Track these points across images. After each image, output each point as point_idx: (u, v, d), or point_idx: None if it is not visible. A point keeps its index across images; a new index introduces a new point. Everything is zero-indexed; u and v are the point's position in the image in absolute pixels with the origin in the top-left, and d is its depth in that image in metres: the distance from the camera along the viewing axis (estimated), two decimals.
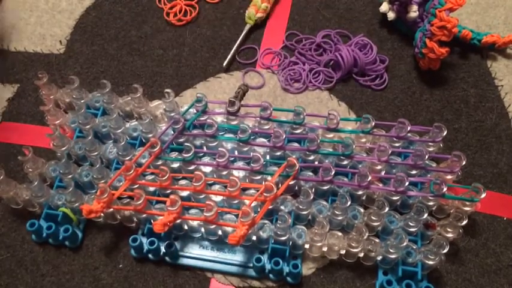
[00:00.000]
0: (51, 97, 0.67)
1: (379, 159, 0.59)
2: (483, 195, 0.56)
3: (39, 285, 0.58)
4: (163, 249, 0.58)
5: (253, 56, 0.76)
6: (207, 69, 0.75)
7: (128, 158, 0.61)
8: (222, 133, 0.64)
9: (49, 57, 0.76)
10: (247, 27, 0.77)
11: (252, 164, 0.58)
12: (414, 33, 0.72)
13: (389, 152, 0.58)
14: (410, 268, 0.56)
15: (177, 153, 0.62)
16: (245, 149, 0.62)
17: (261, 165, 0.58)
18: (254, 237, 0.58)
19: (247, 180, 0.61)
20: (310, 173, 0.61)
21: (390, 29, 0.78)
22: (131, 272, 0.59)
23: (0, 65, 0.76)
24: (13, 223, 0.62)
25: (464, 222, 0.56)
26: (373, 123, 0.60)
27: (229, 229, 0.57)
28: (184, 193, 0.60)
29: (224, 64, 0.74)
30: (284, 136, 0.60)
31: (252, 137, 0.61)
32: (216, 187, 0.61)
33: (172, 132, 0.63)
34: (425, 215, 0.56)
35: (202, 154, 0.63)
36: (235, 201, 0.59)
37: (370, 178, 0.56)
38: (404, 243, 0.54)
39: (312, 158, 0.61)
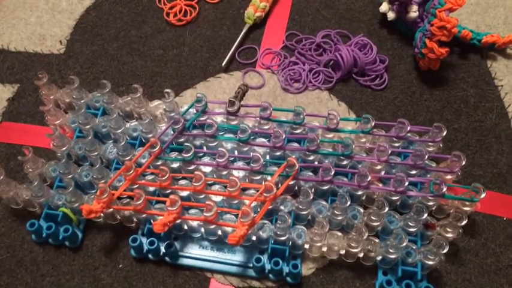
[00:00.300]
0: (51, 97, 0.67)
1: (379, 159, 0.59)
2: (483, 195, 0.56)
3: (39, 285, 0.58)
4: (163, 249, 0.58)
5: (253, 56, 0.76)
6: (207, 69, 0.75)
7: (127, 158, 0.61)
8: (222, 133, 0.64)
9: (49, 57, 0.76)
10: (247, 26, 0.77)
11: (251, 164, 0.58)
12: (414, 33, 0.72)
13: (389, 152, 0.58)
14: (410, 268, 0.56)
15: (177, 153, 0.62)
16: (245, 149, 0.62)
17: (261, 165, 0.58)
18: (254, 237, 0.58)
19: (247, 180, 0.61)
20: (310, 173, 0.61)
21: (390, 29, 0.78)
22: (131, 272, 0.59)
23: (0, 65, 0.76)
24: (13, 223, 0.62)
25: (464, 222, 0.56)
26: (373, 123, 0.60)
27: (229, 229, 0.57)
28: (184, 193, 0.60)
29: (223, 64, 0.74)
30: (284, 136, 0.60)
31: (251, 137, 0.61)
32: (216, 187, 0.61)
33: (172, 132, 0.63)
34: (425, 215, 0.56)
35: (202, 154, 0.63)
36: (235, 201, 0.59)
37: (369, 178, 0.56)
38: (404, 244, 0.54)
39: (311, 158, 0.61)
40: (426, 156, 0.58)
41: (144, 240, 0.58)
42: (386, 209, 0.56)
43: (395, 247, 0.54)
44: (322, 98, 0.72)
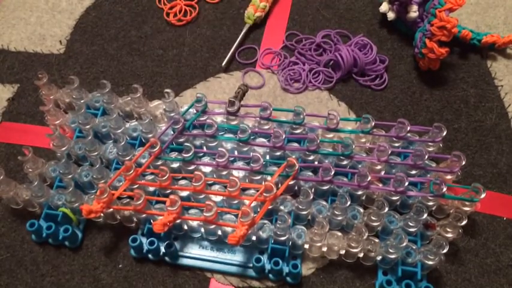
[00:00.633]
0: (51, 97, 0.67)
1: (379, 159, 0.59)
2: (483, 195, 0.56)
3: (39, 285, 0.58)
4: (163, 249, 0.58)
5: (253, 56, 0.76)
6: (207, 69, 0.75)
7: (127, 158, 0.61)
8: (222, 133, 0.64)
9: (49, 57, 0.76)
10: (247, 26, 0.77)
11: (251, 164, 0.58)
12: (414, 33, 0.72)
13: (389, 152, 0.58)
14: (410, 268, 0.56)
15: (176, 153, 0.62)
16: (245, 149, 0.62)
17: (261, 165, 0.58)
18: (254, 237, 0.58)
19: (247, 180, 0.61)
20: (310, 173, 0.61)
21: (390, 29, 0.78)
22: (131, 272, 0.59)
23: (0, 65, 0.76)
24: (13, 223, 0.62)
25: (464, 222, 0.56)
26: (373, 123, 0.60)
27: (229, 229, 0.57)
28: (184, 193, 0.60)
29: (223, 64, 0.74)
30: (284, 136, 0.60)
31: (251, 137, 0.61)
32: (216, 187, 0.61)
33: (172, 132, 0.63)
34: (425, 215, 0.56)
35: (202, 154, 0.63)
36: (235, 201, 0.59)
37: (369, 178, 0.56)
38: (404, 243, 0.54)
39: (311, 158, 0.61)
40: (426, 156, 0.58)
41: (144, 240, 0.58)
42: (386, 209, 0.56)
43: (395, 247, 0.54)
44: (322, 98, 0.72)
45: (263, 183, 0.57)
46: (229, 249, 0.59)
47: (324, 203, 0.59)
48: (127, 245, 0.59)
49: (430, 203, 0.59)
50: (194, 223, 0.58)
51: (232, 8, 0.81)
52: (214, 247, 0.59)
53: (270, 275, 0.58)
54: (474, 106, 0.71)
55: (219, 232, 0.59)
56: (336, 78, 0.72)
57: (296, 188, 0.61)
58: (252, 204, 0.56)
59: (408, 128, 0.60)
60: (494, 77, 0.74)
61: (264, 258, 0.57)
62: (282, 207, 0.58)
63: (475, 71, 0.74)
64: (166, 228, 0.54)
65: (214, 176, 0.61)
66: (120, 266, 0.59)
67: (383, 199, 0.57)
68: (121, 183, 0.59)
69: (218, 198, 0.60)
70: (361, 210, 0.58)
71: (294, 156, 0.60)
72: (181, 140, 0.62)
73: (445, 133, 0.60)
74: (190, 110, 0.64)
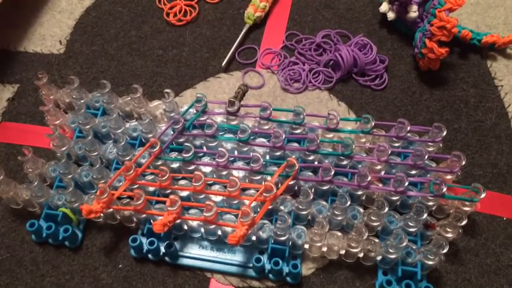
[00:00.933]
0: (51, 97, 0.67)
1: (379, 159, 0.59)
2: (483, 195, 0.56)
3: (39, 286, 0.58)
4: (163, 250, 0.58)
5: (253, 56, 0.76)
6: (207, 69, 0.75)
7: (127, 158, 0.61)
8: (222, 133, 0.64)
9: (49, 58, 0.76)
10: (247, 26, 0.77)
11: (251, 164, 0.58)
12: (414, 33, 0.72)
13: (389, 152, 0.58)
14: (410, 268, 0.56)
15: (176, 153, 0.62)
16: (245, 149, 0.62)
17: (261, 165, 0.58)
18: (254, 238, 0.58)
19: (247, 180, 0.61)
20: (310, 173, 0.61)
21: (390, 29, 0.78)
22: (131, 272, 0.59)
23: (0, 65, 0.76)
24: (13, 223, 0.62)
25: (464, 222, 0.56)
26: (373, 123, 0.60)
27: (228, 229, 0.57)
28: (184, 193, 0.60)
29: (223, 64, 0.74)
30: (284, 136, 0.60)
31: (251, 137, 0.61)
32: (216, 187, 0.61)
33: (172, 132, 0.63)
34: (425, 215, 0.56)
35: (202, 154, 0.63)
36: (235, 202, 0.59)
37: (369, 178, 0.56)
38: (404, 244, 0.54)
39: (311, 158, 0.61)
40: (426, 156, 0.58)
41: (144, 240, 0.58)
42: (386, 209, 0.56)
43: (395, 247, 0.54)
44: (322, 98, 0.72)
45: (263, 183, 0.57)
46: (229, 249, 0.59)
47: (324, 203, 0.59)
48: (127, 245, 0.59)
49: (430, 203, 0.59)
50: (194, 223, 0.58)
51: (232, 8, 0.81)
52: (214, 247, 0.59)
53: (270, 275, 0.58)
54: (474, 106, 0.71)
55: (219, 232, 0.59)
56: (336, 78, 0.72)
57: (296, 188, 0.61)
58: (252, 204, 0.56)
59: (408, 128, 0.60)
60: (494, 77, 0.74)
61: (264, 258, 0.57)
62: (282, 207, 0.58)
63: (475, 71, 0.74)
64: (166, 228, 0.54)
65: (214, 176, 0.61)
66: (120, 266, 0.59)
67: (383, 199, 0.57)
68: (121, 183, 0.59)
69: (218, 198, 0.60)
70: (361, 210, 0.58)
71: (294, 156, 0.60)
72: (181, 140, 0.62)
73: (445, 133, 0.60)
74: (190, 110, 0.64)
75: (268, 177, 0.59)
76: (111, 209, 0.58)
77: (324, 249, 0.57)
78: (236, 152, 0.62)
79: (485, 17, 0.80)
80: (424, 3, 0.71)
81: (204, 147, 0.64)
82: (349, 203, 0.56)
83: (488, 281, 0.58)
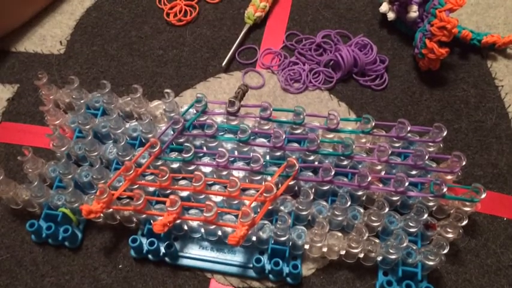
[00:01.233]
0: (51, 97, 0.67)
1: (379, 159, 0.59)
2: (483, 196, 0.56)
3: (38, 286, 0.58)
4: (163, 250, 0.58)
5: (253, 56, 0.76)
6: (207, 69, 0.75)
7: (127, 158, 0.61)
8: (222, 133, 0.64)
9: (49, 58, 0.76)
10: (247, 26, 0.77)
11: (251, 164, 0.58)
12: (414, 33, 0.72)
13: (389, 152, 0.58)
14: (411, 269, 0.55)
15: (176, 153, 0.62)
16: (245, 149, 0.62)
17: (261, 165, 0.58)
18: (254, 238, 0.58)
19: (247, 181, 0.61)
20: (310, 173, 0.61)
21: (390, 29, 0.78)
22: (131, 272, 0.59)
23: (0, 65, 0.76)
24: (13, 223, 0.62)
25: (465, 223, 0.56)
26: (373, 124, 0.60)
27: (229, 229, 0.57)
28: (184, 193, 0.60)
29: (223, 64, 0.74)
30: (284, 136, 0.60)
31: (252, 137, 0.61)
32: (216, 187, 0.61)
33: (172, 133, 0.63)
34: (426, 216, 0.56)
35: (202, 154, 0.63)
36: (235, 202, 0.58)
37: (370, 178, 0.56)
38: (405, 244, 0.54)
39: (311, 158, 0.61)
40: (426, 157, 0.58)
41: (144, 240, 0.58)
42: (387, 209, 0.56)
43: (396, 247, 0.54)
44: (322, 98, 0.72)
45: (263, 183, 0.57)
46: (229, 250, 0.59)
47: (324, 203, 0.59)
48: (127, 246, 0.59)
49: (431, 203, 0.59)
50: (194, 223, 0.58)
51: (232, 8, 0.81)
52: (214, 247, 0.59)
53: (270, 276, 0.58)
54: (474, 106, 0.71)
55: (219, 232, 0.59)
56: (336, 78, 0.72)
57: (296, 188, 0.61)
58: (252, 205, 0.56)
59: (408, 128, 0.59)
60: (495, 77, 0.73)
61: (264, 258, 0.57)
62: (282, 208, 0.58)
63: (475, 71, 0.74)
64: (166, 228, 0.54)
65: (214, 176, 0.61)
66: (120, 266, 0.59)
67: (383, 199, 0.57)
68: (121, 184, 0.59)
69: (218, 199, 0.60)
70: (362, 210, 0.58)
71: (294, 157, 0.60)
72: (181, 140, 0.62)
73: (445, 133, 0.59)
74: (190, 110, 0.64)
75: (269, 178, 0.59)
76: (111, 209, 0.58)
77: (324, 249, 0.57)
78: (236, 152, 0.62)
79: (486, 17, 0.80)
80: (424, 3, 0.71)
81: (204, 148, 0.64)
82: (349, 203, 0.56)
83: (489, 281, 0.58)
